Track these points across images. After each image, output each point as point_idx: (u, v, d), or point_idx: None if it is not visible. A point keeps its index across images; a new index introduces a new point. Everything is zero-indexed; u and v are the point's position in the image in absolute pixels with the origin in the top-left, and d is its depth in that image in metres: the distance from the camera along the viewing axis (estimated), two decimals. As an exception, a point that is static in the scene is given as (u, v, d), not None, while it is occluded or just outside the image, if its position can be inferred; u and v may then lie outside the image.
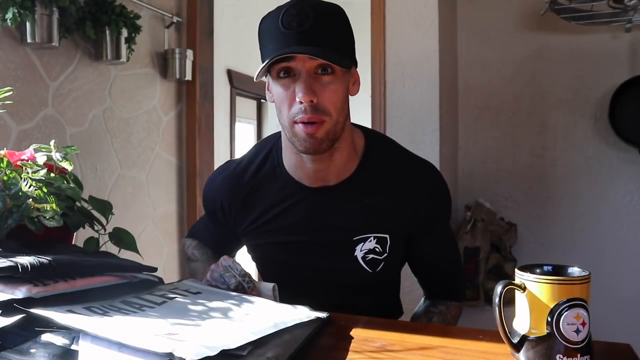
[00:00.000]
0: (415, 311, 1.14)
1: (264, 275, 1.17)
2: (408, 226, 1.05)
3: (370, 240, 1.04)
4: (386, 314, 1.11)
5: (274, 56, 0.89)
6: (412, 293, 1.14)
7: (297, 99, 0.91)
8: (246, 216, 1.11)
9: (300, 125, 0.93)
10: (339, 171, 1.04)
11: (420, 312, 1.12)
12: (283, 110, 0.95)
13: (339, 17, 0.96)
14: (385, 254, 1.04)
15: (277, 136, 1.12)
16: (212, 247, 1.21)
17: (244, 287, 0.90)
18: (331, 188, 1.04)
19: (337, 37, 0.95)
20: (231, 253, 1.21)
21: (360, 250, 1.04)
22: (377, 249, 1.04)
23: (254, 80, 0.98)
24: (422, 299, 1.17)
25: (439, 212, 1.09)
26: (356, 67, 1.01)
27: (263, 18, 0.97)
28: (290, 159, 1.05)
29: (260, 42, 0.97)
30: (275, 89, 0.96)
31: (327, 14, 0.93)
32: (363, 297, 1.08)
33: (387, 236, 1.04)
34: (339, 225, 1.04)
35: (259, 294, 0.90)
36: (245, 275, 0.91)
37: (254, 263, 1.19)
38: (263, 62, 0.94)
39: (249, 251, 1.17)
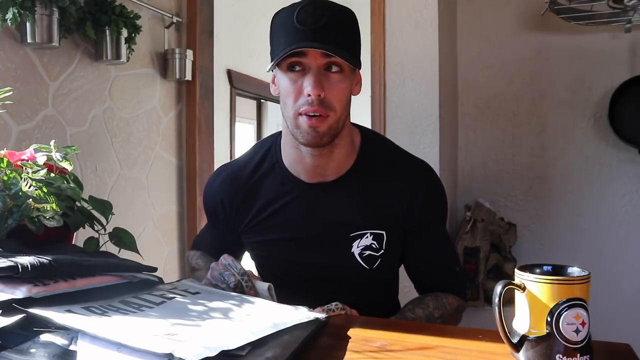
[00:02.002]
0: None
1: (263, 273, 1.17)
2: (403, 223, 1.06)
3: (367, 237, 1.05)
4: (385, 313, 1.10)
5: (290, 49, 0.92)
6: (411, 293, 1.13)
7: (305, 92, 0.94)
8: (246, 213, 1.12)
9: (305, 117, 0.95)
10: (338, 167, 1.05)
11: (415, 298, 1.08)
12: (288, 102, 0.97)
13: (351, 20, 1.00)
14: (382, 251, 1.05)
15: (275, 135, 1.14)
16: (216, 254, 1.21)
17: (243, 286, 0.90)
18: (328, 184, 1.06)
19: (348, 37, 0.98)
20: (235, 257, 1.21)
21: (357, 247, 1.05)
22: (373, 246, 1.05)
23: (266, 71, 1.01)
24: None
25: (434, 210, 1.09)
26: (360, 68, 1.03)
27: (276, 13, 1.00)
28: (289, 153, 1.07)
29: (272, 35, 1.00)
30: (282, 81, 0.98)
31: (340, 15, 0.97)
32: (361, 295, 1.08)
33: (384, 232, 1.05)
34: (336, 222, 1.05)
35: (256, 293, 0.91)
36: (245, 274, 0.92)
37: (254, 262, 1.19)
38: (274, 55, 0.96)
39: (249, 250, 1.18)
